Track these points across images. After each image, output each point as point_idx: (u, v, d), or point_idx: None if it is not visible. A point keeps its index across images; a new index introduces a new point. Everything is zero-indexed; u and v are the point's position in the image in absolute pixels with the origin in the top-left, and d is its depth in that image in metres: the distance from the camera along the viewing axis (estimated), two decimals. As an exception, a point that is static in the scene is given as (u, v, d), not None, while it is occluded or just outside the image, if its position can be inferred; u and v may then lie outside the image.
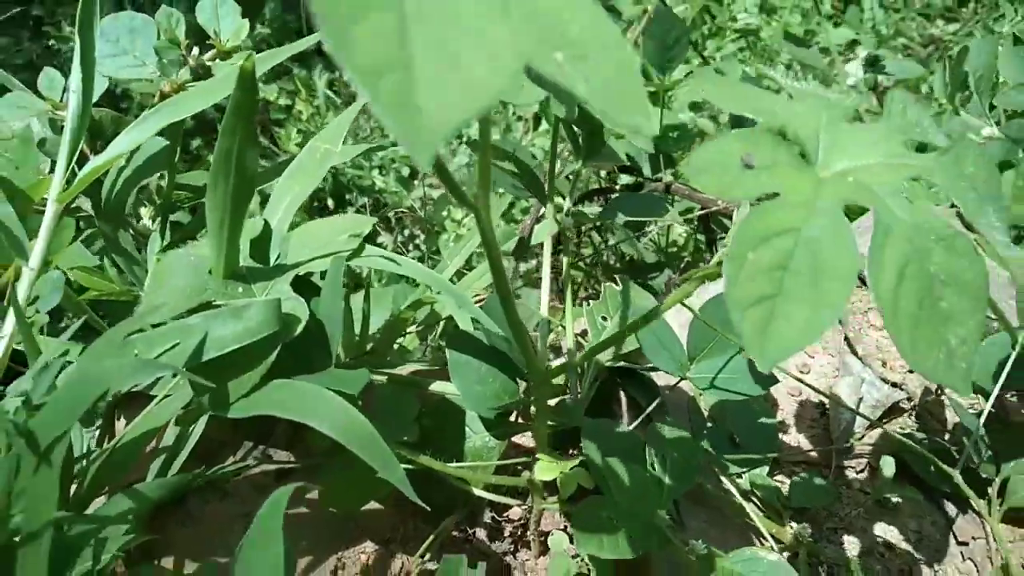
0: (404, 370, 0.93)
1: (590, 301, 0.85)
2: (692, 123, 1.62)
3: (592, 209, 1.19)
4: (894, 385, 0.99)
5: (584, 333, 0.91)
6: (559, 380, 0.78)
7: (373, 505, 0.82)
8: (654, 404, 0.82)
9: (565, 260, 0.92)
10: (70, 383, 0.49)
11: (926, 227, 0.43)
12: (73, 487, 0.64)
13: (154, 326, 0.59)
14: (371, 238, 0.70)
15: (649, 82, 1.16)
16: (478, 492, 0.76)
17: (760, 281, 0.40)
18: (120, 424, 0.77)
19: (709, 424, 0.87)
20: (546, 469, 0.64)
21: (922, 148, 0.48)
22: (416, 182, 2.35)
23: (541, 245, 0.91)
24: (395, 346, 1.03)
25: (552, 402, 0.80)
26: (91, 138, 0.77)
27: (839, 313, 0.40)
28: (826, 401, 0.99)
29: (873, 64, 1.35)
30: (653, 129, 0.33)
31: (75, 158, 0.72)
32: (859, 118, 0.50)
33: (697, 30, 2.57)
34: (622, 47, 0.35)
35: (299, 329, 0.61)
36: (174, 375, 0.61)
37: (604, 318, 0.82)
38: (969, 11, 2.91)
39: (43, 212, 0.69)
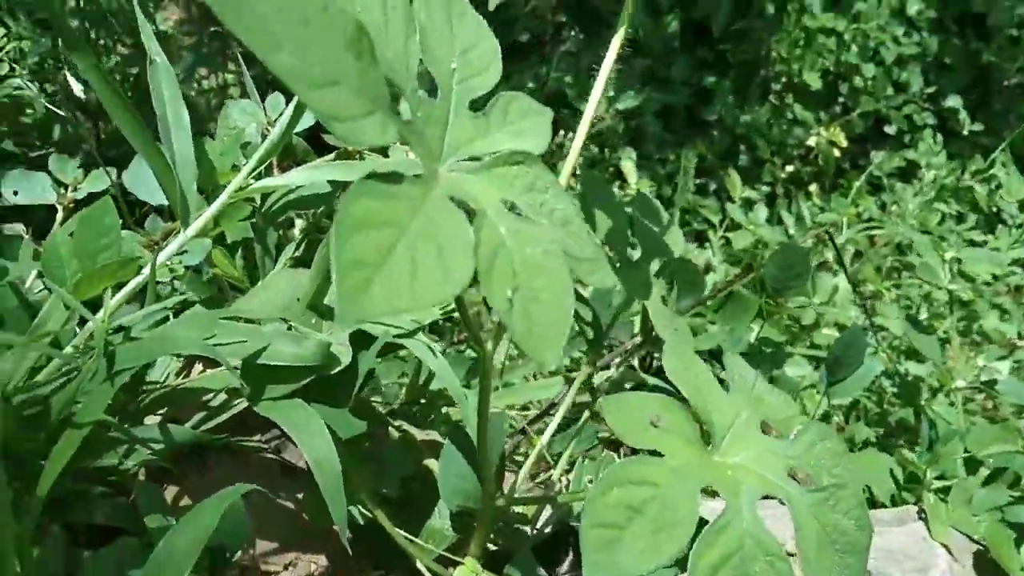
0: (428, 435, 1.06)
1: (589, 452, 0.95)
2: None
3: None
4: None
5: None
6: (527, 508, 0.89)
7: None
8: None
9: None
10: (155, 334, 0.66)
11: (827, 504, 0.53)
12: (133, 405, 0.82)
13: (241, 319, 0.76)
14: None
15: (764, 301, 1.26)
16: (420, 565, 0.88)
17: (613, 513, 0.50)
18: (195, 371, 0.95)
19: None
20: (461, 574, 0.75)
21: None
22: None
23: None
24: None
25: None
26: (281, 158, 0.96)
27: (667, 559, 0.50)
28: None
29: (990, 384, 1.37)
30: (553, 366, 0.45)
31: (262, 167, 0.91)
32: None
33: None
34: (568, 300, 0.48)
35: (336, 369, 0.77)
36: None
37: (591, 480, 0.92)
38: None
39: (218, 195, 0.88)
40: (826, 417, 2.04)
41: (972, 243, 2.39)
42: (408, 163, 0.47)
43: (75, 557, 0.75)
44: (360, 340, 0.82)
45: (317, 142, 0.99)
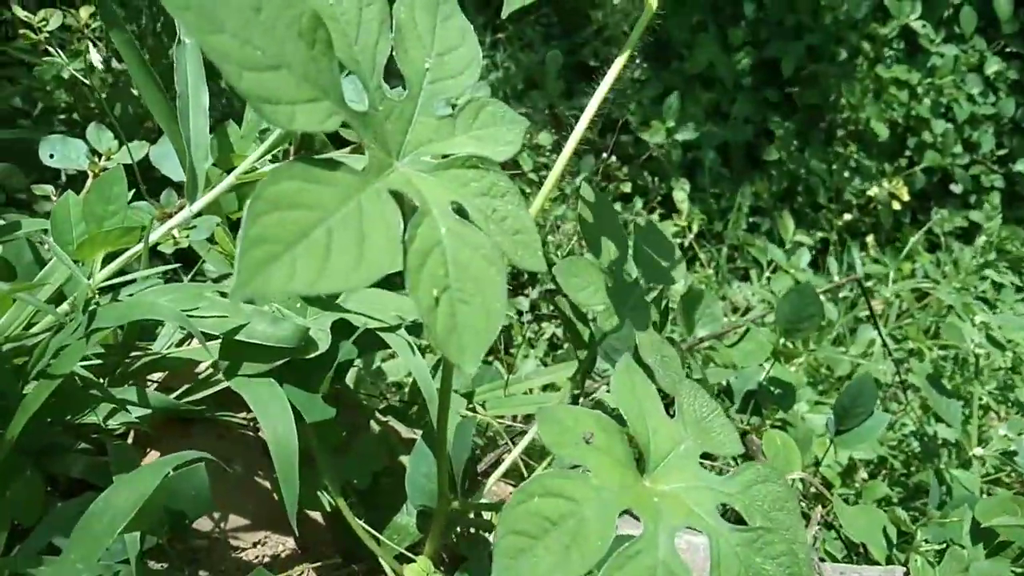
0: (415, 434, 1.07)
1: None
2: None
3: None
4: None
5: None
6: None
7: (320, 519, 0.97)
8: None
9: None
10: (136, 299, 0.69)
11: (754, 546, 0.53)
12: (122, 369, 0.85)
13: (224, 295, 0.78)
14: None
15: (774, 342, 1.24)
16: (381, 555, 0.89)
17: (530, 522, 0.50)
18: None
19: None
20: (412, 572, 0.76)
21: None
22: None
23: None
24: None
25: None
26: (299, 147, 0.99)
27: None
28: None
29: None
30: (471, 372, 0.46)
31: (277, 151, 0.93)
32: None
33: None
34: (497, 307, 0.48)
35: (313, 354, 0.78)
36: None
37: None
38: None
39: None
40: (850, 470, 2.00)
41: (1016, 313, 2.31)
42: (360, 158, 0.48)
43: (48, 502, 0.78)
44: (344, 329, 0.83)
45: (337, 136, 1.02)
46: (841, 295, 2.50)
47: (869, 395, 1.33)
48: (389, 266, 0.42)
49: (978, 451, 1.51)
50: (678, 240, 2.87)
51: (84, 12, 2.68)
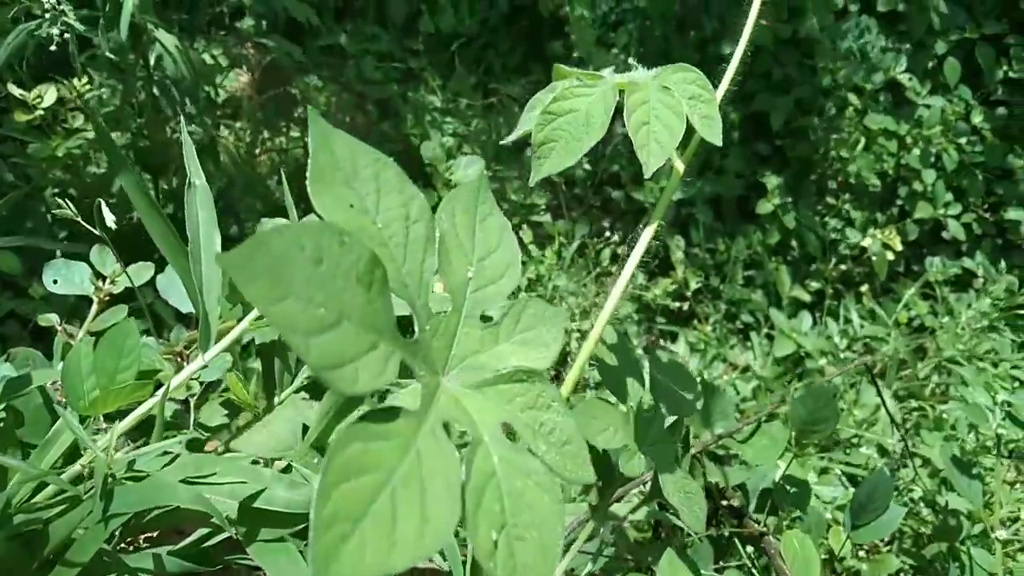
0: None
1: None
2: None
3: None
4: None
5: None
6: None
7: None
8: None
9: None
10: (154, 481, 0.67)
11: None
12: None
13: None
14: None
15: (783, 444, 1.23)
16: None
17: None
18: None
19: None
20: None
21: None
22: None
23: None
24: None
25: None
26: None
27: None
28: None
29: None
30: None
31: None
32: None
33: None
34: (555, 537, 0.46)
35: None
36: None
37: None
38: None
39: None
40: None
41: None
42: (410, 392, 0.46)
43: None
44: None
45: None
46: (843, 356, 2.49)
47: (885, 490, 1.31)
48: (452, 522, 0.40)
49: (1002, 534, 1.49)
50: (675, 305, 2.86)
51: (78, 83, 2.67)
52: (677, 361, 0.95)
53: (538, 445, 0.48)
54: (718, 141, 0.66)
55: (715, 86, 0.84)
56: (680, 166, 0.69)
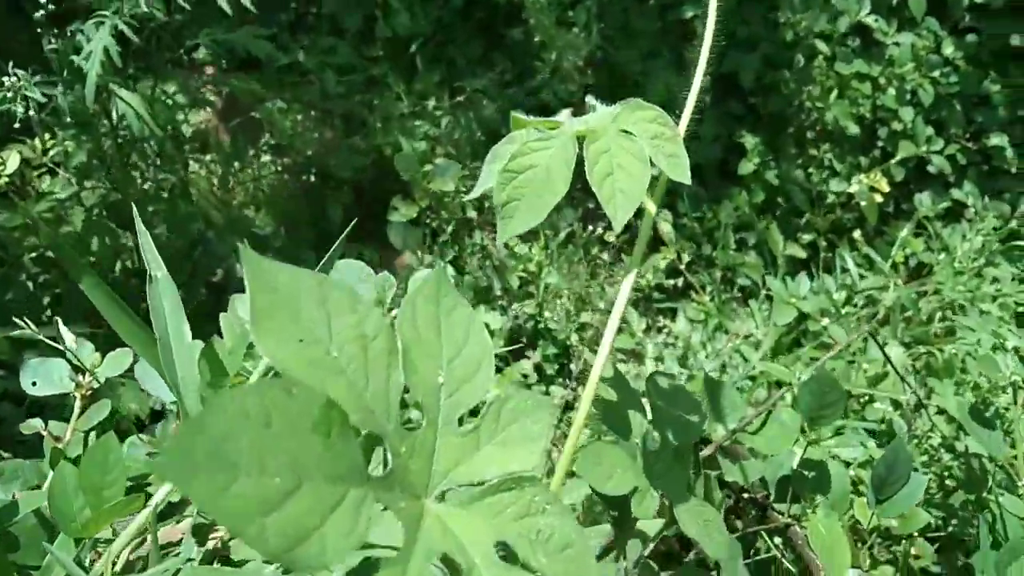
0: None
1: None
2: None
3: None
4: None
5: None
6: None
7: None
8: None
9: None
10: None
11: None
12: None
13: None
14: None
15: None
16: None
17: None
18: None
19: None
20: None
21: None
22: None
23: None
24: None
25: None
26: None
27: None
28: None
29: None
30: None
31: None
32: None
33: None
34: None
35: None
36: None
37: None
38: None
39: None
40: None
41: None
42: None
43: None
44: None
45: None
46: (844, 311, 2.47)
47: (904, 461, 1.29)
48: None
49: (1031, 482, 1.47)
50: (671, 281, 2.83)
51: (39, 143, 2.62)
52: (677, 384, 0.93)
53: (537, 558, 0.46)
54: (686, 179, 0.63)
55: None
56: (652, 208, 0.66)
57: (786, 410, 1.34)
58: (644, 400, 0.92)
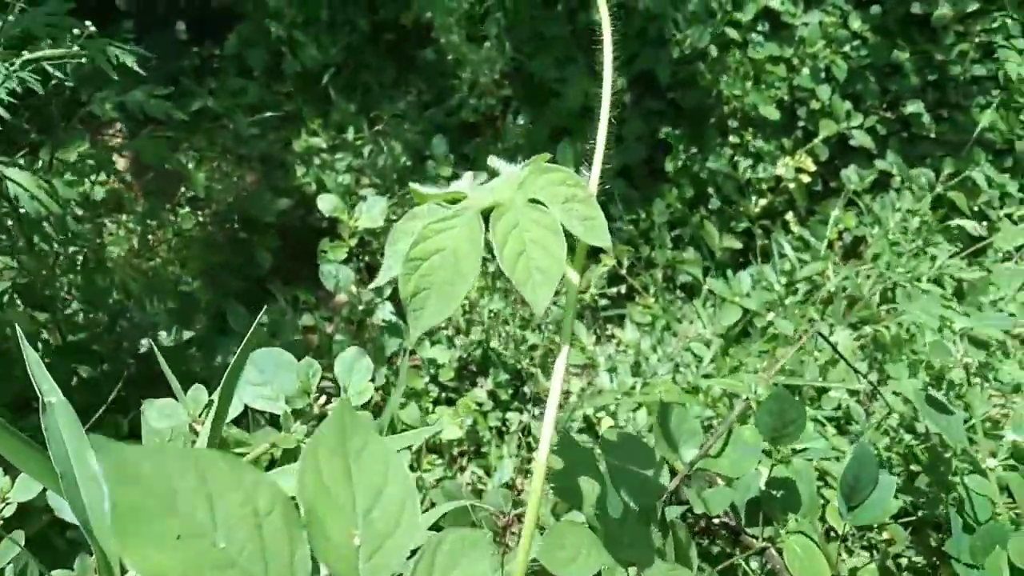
0: None
1: None
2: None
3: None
4: None
5: None
6: None
7: None
8: None
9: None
10: None
11: None
12: None
13: None
14: None
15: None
16: None
17: None
18: None
19: None
20: None
21: None
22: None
23: None
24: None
25: None
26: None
27: None
28: None
29: None
30: None
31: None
32: None
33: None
34: None
35: None
36: None
37: None
38: None
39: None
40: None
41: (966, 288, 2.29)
42: None
43: None
44: None
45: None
46: (793, 300, 2.46)
47: (870, 466, 1.27)
48: None
49: (992, 463, 1.45)
50: (614, 289, 2.80)
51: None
52: (628, 434, 0.88)
53: None
54: (606, 243, 0.58)
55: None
56: (575, 278, 0.60)
57: (747, 428, 1.31)
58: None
